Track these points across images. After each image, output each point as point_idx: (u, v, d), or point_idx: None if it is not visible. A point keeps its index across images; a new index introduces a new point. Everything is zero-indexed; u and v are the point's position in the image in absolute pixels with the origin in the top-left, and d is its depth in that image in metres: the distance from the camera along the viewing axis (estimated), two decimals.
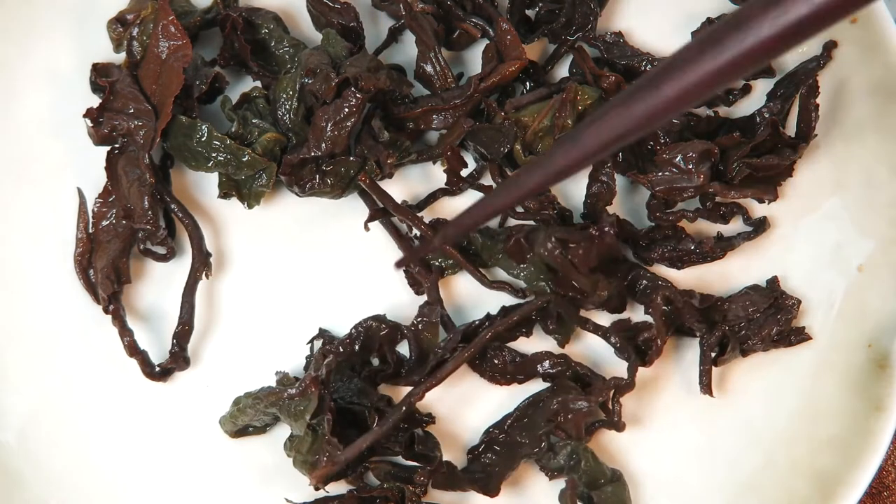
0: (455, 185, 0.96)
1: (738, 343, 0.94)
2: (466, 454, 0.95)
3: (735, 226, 0.98)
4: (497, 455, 0.95)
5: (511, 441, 0.94)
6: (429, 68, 0.97)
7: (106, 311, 0.96)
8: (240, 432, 0.97)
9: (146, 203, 0.94)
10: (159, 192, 0.95)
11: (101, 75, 0.95)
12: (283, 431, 0.97)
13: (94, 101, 0.97)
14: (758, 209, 0.98)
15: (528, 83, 0.98)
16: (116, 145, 0.95)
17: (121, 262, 0.96)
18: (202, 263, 0.96)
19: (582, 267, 0.91)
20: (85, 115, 0.94)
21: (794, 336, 0.95)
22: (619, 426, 0.94)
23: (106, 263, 0.95)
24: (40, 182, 1.00)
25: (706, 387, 0.94)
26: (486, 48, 0.97)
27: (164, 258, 0.97)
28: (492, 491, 0.93)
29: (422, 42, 0.96)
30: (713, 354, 0.94)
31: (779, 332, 0.95)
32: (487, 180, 0.97)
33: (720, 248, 0.96)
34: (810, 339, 0.95)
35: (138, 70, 0.95)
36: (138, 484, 0.98)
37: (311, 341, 0.98)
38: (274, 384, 0.97)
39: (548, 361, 0.95)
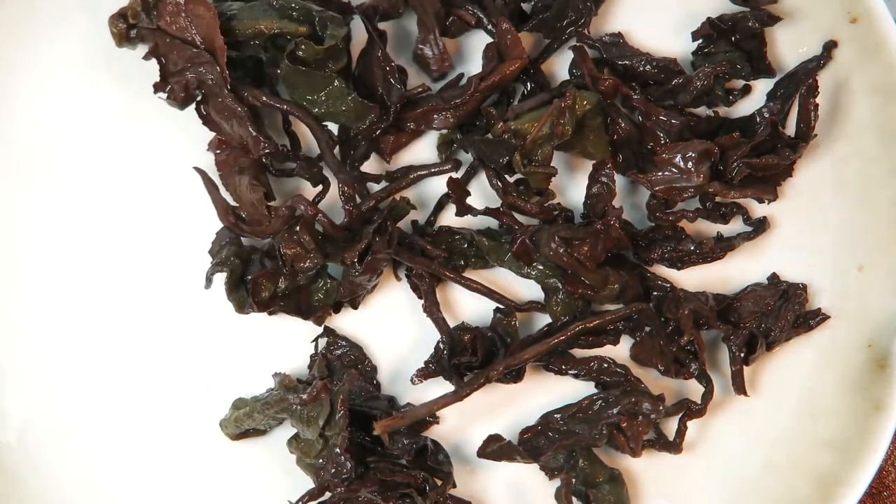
0: (464, 213, 0.96)
1: (763, 338, 0.94)
2: (519, 433, 0.95)
3: (735, 226, 0.98)
4: (550, 441, 0.94)
5: (569, 430, 0.94)
6: (427, 51, 0.96)
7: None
8: (241, 435, 0.97)
9: (252, 131, 0.93)
10: (258, 113, 0.94)
11: (126, 22, 0.93)
12: (282, 432, 0.97)
13: (97, 97, 0.98)
14: (758, 209, 0.98)
15: (528, 84, 0.98)
16: (198, 98, 0.94)
17: (258, 199, 0.95)
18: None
19: (590, 263, 0.91)
20: (156, 91, 0.94)
21: (812, 319, 0.96)
22: (678, 448, 0.95)
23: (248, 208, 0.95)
24: (40, 182, 1.00)
25: (740, 387, 0.94)
26: (486, 48, 0.97)
27: (302, 171, 0.96)
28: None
29: (423, 24, 0.95)
30: (742, 354, 0.94)
31: (796, 319, 0.95)
32: (483, 179, 0.97)
33: (720, 248, 0.96)
34: (828, 317, 0.96)
35: (160, 23, 0.93)
36: (138, 483, 0.98)
37: (316, 340, 0.98)
38: (273, 386, 0.97)
39: (607, 366, 0.96)
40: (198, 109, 0.95)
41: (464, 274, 0.97)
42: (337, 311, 0.97)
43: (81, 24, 1.00)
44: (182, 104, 0.94)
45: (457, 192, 0.95)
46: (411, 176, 0.98)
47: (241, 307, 0.95)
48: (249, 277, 0.95)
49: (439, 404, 0.92)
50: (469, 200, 0.97)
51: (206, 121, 0.95)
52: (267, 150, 0.93)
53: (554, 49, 0.98)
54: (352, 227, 0.94)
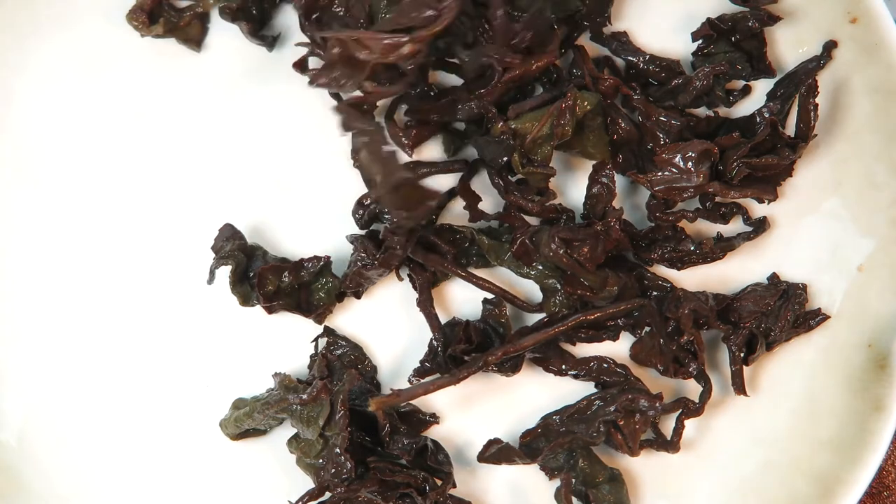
0: (477, 219, 0.97)
1: (763, 338, 0.94)
2: (520, 437, 0.96)
3: (735, 226, 0.98)
4: (551, 443, 0.95)
5: (567, 431, 0.94)
6: None
7: None
8: (241, 435, 0.97)
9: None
10: None
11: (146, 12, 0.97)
12: (282, 432, 0.97)
13: (98, 96, 0.99)
14: (758, 209, 0.98)
15: (545, 81, 0.98)
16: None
17: None
18: None
19: (589, 265, 0.91)
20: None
21: (812, 319, 0.96)
22: (675, 447, 0.95)
23: None
24: (41, 181, 1.00)
25: (740, 387, 0.95)
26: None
27: None
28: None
29: None
30: (742, 354, 0.94)
31: (796, 319, 0.95)
32: (485, 178, 0.97)
33: (720, 248, 0.96)
34: (828, 317, 0.96)
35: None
36: (138, 483, 0.99)
37: (316, 340, 0.98)
38: (273, 385, 0.97)
39: (607, 366, 0.96)
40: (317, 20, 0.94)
41: (467, 270, 0.97)
42: (340, 300, 0.97)
43: (82, 23, 1.00)
44: (305, 12, 0.93)
45: (468, 199, 0.96)
46: (420, 171, 0.97)
47: (246, 300, 0.96)
48: (252, 274, 0.95)
49: (435, 385, 0.92)
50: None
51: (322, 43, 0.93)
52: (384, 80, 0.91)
53: (573, 41, 0.97)
54: None
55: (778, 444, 0.96)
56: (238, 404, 0.97)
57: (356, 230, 0.98)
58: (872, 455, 0.91)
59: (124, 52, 1.00)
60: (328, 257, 0.96)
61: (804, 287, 0.96)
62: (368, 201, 0.96)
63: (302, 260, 0.96)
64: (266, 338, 0.99)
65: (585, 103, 0.93)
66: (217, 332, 0.99)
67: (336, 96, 0.97)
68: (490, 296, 0.97)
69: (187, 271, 0.99)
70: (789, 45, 0.97)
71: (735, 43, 0.97)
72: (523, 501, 0.98)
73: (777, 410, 0.97)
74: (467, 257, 0.98)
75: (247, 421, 0.95)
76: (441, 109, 0.96)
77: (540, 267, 0.96)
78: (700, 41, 0.98)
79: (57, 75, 1.00)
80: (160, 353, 0.99)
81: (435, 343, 0.96)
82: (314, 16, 0.94)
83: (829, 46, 0.95)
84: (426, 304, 0.96)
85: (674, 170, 0.92)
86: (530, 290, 0.98)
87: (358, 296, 0.97)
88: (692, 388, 0.96)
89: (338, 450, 0.90)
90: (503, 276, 0.98)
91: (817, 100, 0.93)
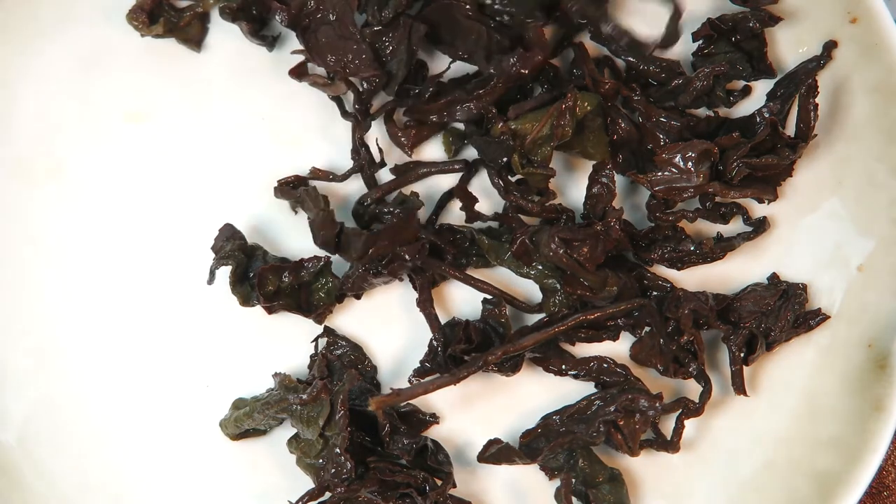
0: (473, 220, 0.97)
1: (763, 338, 0.94)
2: (520, 437, 0.96)
3: (735, 226, 0.98)
4: (551, 443, 0.95)
5: (567, 431, 0.94)
6: None
7: None
8: (241, 435, 0.97)
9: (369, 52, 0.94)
10: None
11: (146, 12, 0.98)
12: (282, 432, 0.97)
13: (100, 95, 0.99)
14: (758, 209, 0.98)
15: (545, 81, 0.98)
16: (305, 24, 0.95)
17: None
18: None
19: (589, 265, 0.91)
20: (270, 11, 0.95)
21: (812, 319, 0.96)
22: (675, 448, 0.95)
23: None
24: (41, 181, 1.00)
25: (740, 387, 0.95)
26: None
27: None
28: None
29: None
30: (742, 354, 0.94)
31: (796, 319, 0.95)
32: (485, 178, 0.97)
33: (720, 248, 0.96)
34: (828, 317, 0.96)
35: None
36: (138, 483, 0.99)
37: (316, 340, 0.98)
38: (273, 385, 0.97)
39: (607, 366, 0.96)
40: (304, 37, 0.94)
41: (466, 272, 0.97)
42: (340, 300, 0.98)
43: (82, 23, 1.00)
44: (291, 23, 0.93)
45: (465, 200, 0.96)
46: (420, 171, 0.98)
47: (246, 300, 0.96)
48: (252, 274, 0.95)
49: (435, 385, 0.92)
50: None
51: (312, 50, 0.93)
52: (376, 75, 0.93)
53: (572, 37, 0.97)
54: None
55: (778, 444, 0.96)
56: (238, 404, 0.97)
57: None
58: (872, 455, 0.91)
59: (124, 52, 1.00)
60: (328, 257, 0.96)
61: (804, 287, 0.96)
62: (368, 201, 0.96)
63: (302, 260, 0.96)
64: (266, 338, 0.99)
65: (585, 104, 0.93)
66: (217, 333, 0.99)
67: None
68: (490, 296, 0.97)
69: (187, 271, 0.99)
70: (789, 45, 0.97)
71: (735, 43, 0.97)
72: (523, 501, 0.98)
73: (777, 410, 0.97)
74: (467, 257, 0.98)
75: (247, 421, 0.95)
76: (440, 110, 0.96)
77: (540, 267, 0.96)
78: (700, 41, 0.98)
79: (57, 75, 1.00)
80: (160, 353, 0.99)
81: (435, 343, 0.96)
82: (303, 25, 0.94)
83: (829, 46, 0.95)
84: (426, 304, 0.96)
85: (674, 170, 0.92)
86: (530, 290, 0.98)
87: (358, 296, 0.97)
88: (692, 388, 0.96)
89: (338, 450, 0.90)
90: (503, 276, 0.98)
91: (817, 100, 0.93)
